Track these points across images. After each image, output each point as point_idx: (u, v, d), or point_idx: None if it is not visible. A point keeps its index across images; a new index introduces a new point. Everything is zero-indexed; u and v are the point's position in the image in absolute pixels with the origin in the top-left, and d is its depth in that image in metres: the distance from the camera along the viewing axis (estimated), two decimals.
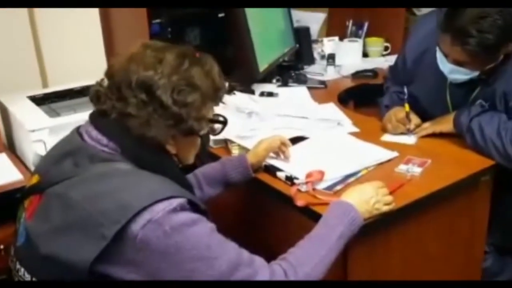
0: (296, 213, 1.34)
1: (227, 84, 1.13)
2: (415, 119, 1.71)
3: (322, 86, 2.26)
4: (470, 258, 1.61)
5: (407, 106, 1.70)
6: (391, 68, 2.00)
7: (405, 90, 1.73)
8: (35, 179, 1.06)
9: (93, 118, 1.06)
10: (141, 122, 0.99)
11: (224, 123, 1.15)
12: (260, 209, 1.57)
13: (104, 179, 0.97)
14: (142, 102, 0.98)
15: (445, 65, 1.57)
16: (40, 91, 1.85)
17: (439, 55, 1.58)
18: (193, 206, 0.98)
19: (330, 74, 2.43)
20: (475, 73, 1.54)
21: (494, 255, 1.71)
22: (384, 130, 1.74)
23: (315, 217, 1.25)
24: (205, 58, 1.08)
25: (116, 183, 0.96)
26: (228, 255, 0.97)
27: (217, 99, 1.10)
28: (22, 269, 1.01)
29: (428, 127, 1.68)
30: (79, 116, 1.55)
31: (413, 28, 1.91)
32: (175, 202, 0.93)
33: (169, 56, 1.02)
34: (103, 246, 0.89)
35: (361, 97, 2.30)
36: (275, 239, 1.43)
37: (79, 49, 2.05)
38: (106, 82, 1.05)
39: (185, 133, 1.04)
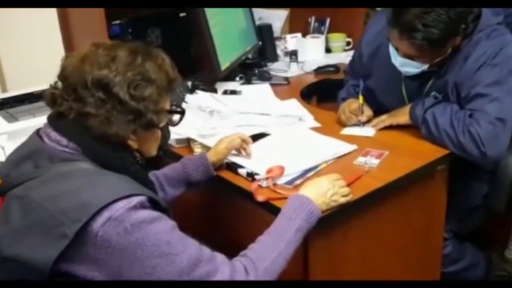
0: (257, 208, 1.36)
1: (180, 77, 1.14)
2: (367, 111, 1.76)
3: (285, 82, 2.29)
4: (429, 246, 1.66)
5: (361, 98, 1.74)
6: (350, 62, 2.04)
7: (361, 83, 1.77)
8: None
9: (51, 120, 1.07)
10: (101, 120, 1.00)
11: (182, 113, 1.17)
12: (223, 206, 1.58)
13: (64, 179, 0.98)
14: (100, 100, 0.99)
15: (396, 59, 1.61)
16: None
17: (391, 49, 1.62)
18: (153, 204, 1.00)
19: (293, 70, 2.46)
20: (425, 66, 1.58)
21: (454, 242, 1.77)
22: (339, 122, 1.78)
23: (276, 211, 1.27)
24: (156, 52, 1.09)
25: (76, 183, 0.96)
26: (188, 252, 0.99)
27: (172, 91, 1.12)
28: None
29: (386, 119, 1.73)
30: (37, 120, 1.54)
31: (368, 24, 1.95)
32: (135, 200, 0.95)
33: (121, 53, 1.03)
34: (65, 245, 0.90)
35: (324, 92, 2.35)
36: (237, 235, 1.44)
37: (38, 52, 2.03)
38: (60, 85, 1.05)
39: (145, 127, 1.06)
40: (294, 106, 1.95)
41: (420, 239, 1.61)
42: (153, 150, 1.14)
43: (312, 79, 2.40)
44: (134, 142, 1.07)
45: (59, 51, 2.07)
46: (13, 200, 0.98)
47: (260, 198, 1.34)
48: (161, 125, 1.10)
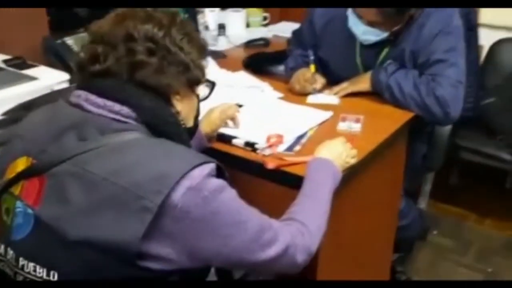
0: (256, 179, 1.35)
1: None
2: (320, 79, 1.81)
3: (223, 56, 2.23)
4: (395, 201, 1.80)
5: (312, 67, 1.79)
6: (295, 33, 2.07)
7: (310, 52, 1.82)
8: (22, 162, 0.89)
9: (90, 85, 0.93)
10: (155, 68, 0.93)
11: (213, 83, 1.12)
12: None
13: (125, 150, 0.87)
14: (150, 50, 0.93)
15: (358, 27, 1.69)
16: None
17: (352, 19, 1.69)
18: (218, 172, 0.94)
19: (221, 44, 2.41)
20: (385, 34, 1.69)
21: (405, 198, 1.93)
22: (292, 91, 1.81)
23: (283, 178, 1.29)
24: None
25: (140, 153, 0.87)
26: (255, 218, 0.96)
27: (205, 58, 1.08)
28: (31, 264, 0.85)
29: (347, 86, 1.79)
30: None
31: None
32: (208, 167, 0.89)
33: (159, 14, 0.99)
34: (150, 219, 0.81)
35: (259, 65, 2.34)
36: None
37: None
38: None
39: (191, 82, 1.01)
40: (248, 77, 1.92)
41: (390, 196, 1.73)
42: (190, 120, 1.07)
43: (242, 52, 2.38)
44: (179, 103, 1.00)
45: None
46: (67, 177, 0.85)
47: (270, 165, 1.31)
48: (199, 89, 1.05)
